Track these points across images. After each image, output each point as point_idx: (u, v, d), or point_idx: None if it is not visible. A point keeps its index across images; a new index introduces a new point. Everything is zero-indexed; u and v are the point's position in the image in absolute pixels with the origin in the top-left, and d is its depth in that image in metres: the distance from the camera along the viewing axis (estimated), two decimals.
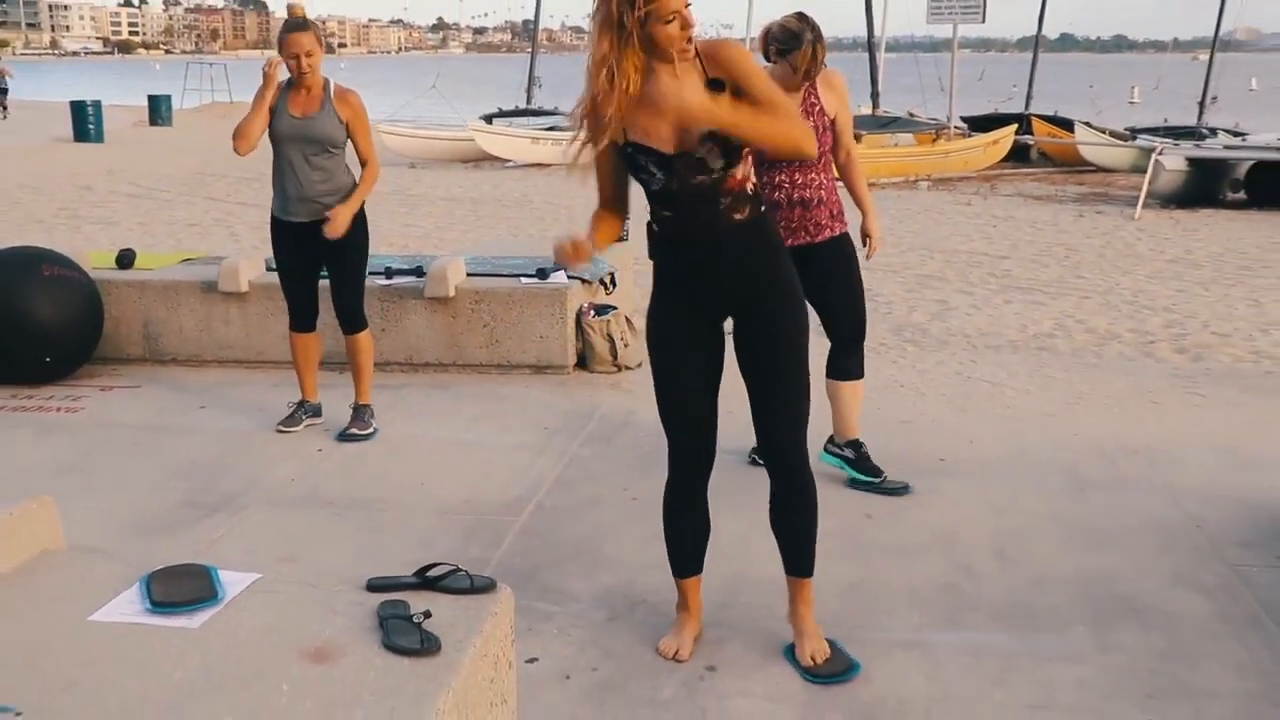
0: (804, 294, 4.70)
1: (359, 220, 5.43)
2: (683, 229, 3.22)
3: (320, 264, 5.51)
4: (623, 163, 3.21)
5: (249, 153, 5.33)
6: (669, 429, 3.38)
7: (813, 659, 3.37)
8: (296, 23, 5.23)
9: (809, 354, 3.34)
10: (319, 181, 5.31)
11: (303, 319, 5.59)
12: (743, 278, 3.24)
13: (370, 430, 5.52)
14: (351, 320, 5.54)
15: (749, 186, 3.19)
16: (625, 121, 3.10)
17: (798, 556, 3.44)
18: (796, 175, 4.59)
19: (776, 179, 4.63)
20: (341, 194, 5.36)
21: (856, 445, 4.93)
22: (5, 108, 36.21)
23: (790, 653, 3.44)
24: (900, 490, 4.79)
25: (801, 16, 4.52)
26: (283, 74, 5.31)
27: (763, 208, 3.25)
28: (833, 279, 4.76)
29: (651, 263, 3.36)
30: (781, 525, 3.44)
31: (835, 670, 3.35)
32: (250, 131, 5.27)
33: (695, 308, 3.29)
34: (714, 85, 3.08)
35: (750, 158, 3.20)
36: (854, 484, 4.84)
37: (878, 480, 4.83)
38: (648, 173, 3.15)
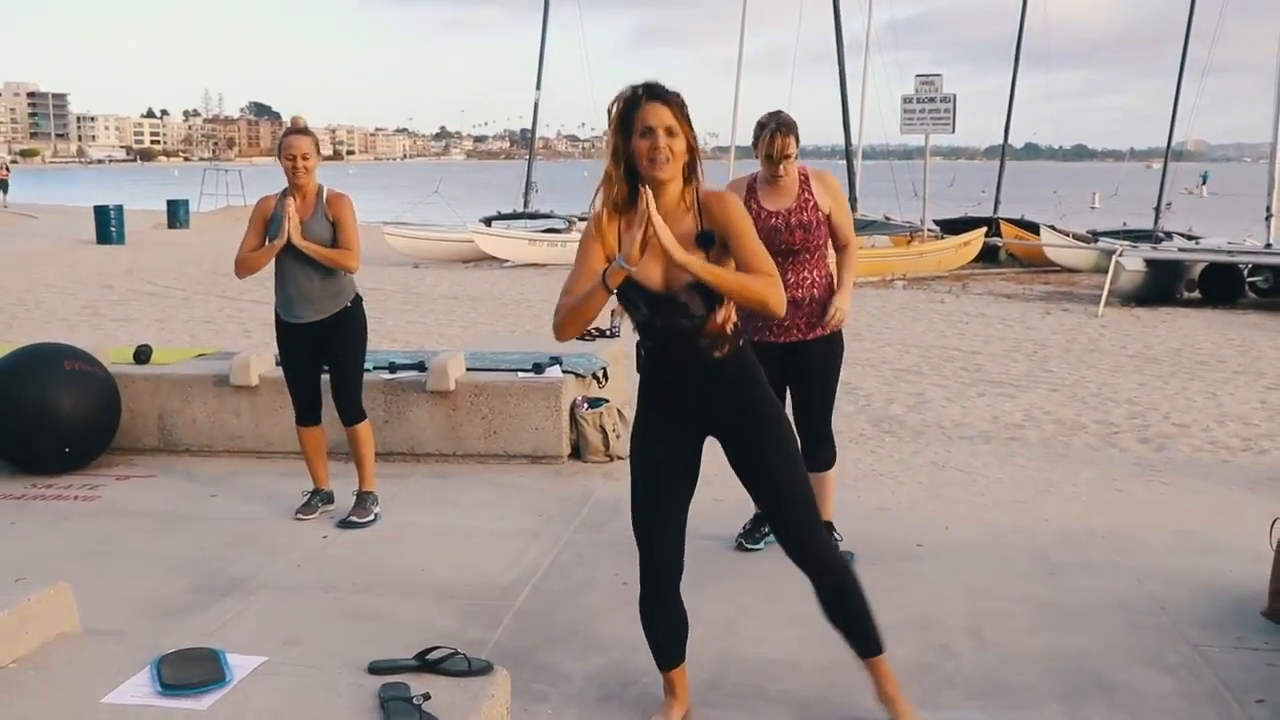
0: (786, 382, 4.79)
1: (356, 320, 5.50)
2: (663, 361, 3.29)
3: (322, 360, 5.55)
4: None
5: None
6: (639, 537, 3.39)
7: None
8: (297, 128, 5.39)
9: (797, 449, 3.37)
10: (318, 282, 5.35)
11: (307, 413, 5.61)
12: (721, 407, 3.31)
13: (370, 517, 5.50)
14: (350, 413, 5.55)
15: (729, 326, 3.23)
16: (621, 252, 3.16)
17: (857, 640, 3.40)
18: (789, 275, 4.64)
19: None
20: (341, 294, 5.40)
21: (827, 527, 4.94)
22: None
23: None
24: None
25: (774, 112, 4.69)
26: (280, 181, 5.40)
27: (742, 341, 3.30)
28: (816, 375, 4.82)
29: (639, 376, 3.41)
30: (832, 617, 3.39)
31: None
32: (255, 268, 5.39)
33: (676, 426, 3.34)
34: (704, 240, 3.15)
35: (730, 303, 3.22)
36: None
37: None
38: (635, 305, 3.23)
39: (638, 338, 3.34)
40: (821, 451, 4.89)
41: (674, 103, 3.11)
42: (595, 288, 3.11)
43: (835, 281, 4.87)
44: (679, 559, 3.41)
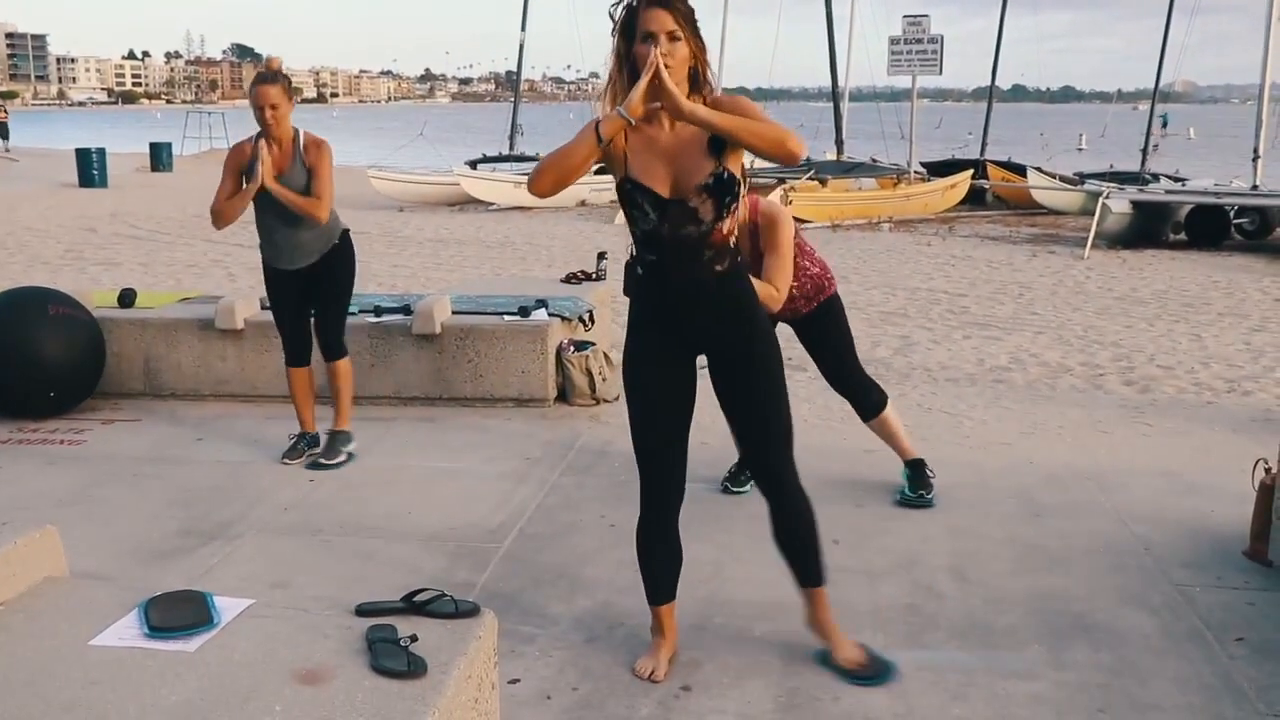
0: (807, 350, 4.79)
1: (345, 256, 5.46)
2: (665, 274, 3.23)
3: (311, 302, 5.52)
4: (620, 197, 3.22)
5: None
6: (641, 461, 3.38)
7: (858, 664, 3.42)
8: (265, 75, 5.16)
9: (785, 379, 3.37)
10: (302, 230, 5.30)
11: (297, 355, 5.58)
12: (718, 323, 3.27)
13: (340, 458, 5.45)
14: (332, 348, 5.52)
15: (731, 240, 3.21)
16: (630, 159, 3.14)
17: (801, 567, 3.46)
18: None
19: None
20: (328, 234, 5.36)
21: (915, 465, 5.03)
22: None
23: (824, 659, 3.48)
24: (925, 503, 4.90)
25: None
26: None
27: (739, 259, 3.27)
28: (830, 341, 4.88)
29: (628, 299, 3.39)
30: (781, 539, 3.44)
31: (875, 672, 3.40)
32: (232, 217, 5.22)
33: (669, 346, 3.31)
34: (715, 146, 3.12)
35: (736, 213, 3.20)
36: (905, 502, 4.92)
37: (922, 495, 4.94)
38: (641, 211, 3.17)
39: (632, 255, 3.30)
40: (869, 399, 4.96)
41: (677, 8, 3.06)
42: (587, 133, 3.07)
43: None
44: (680, 484, 3.40)
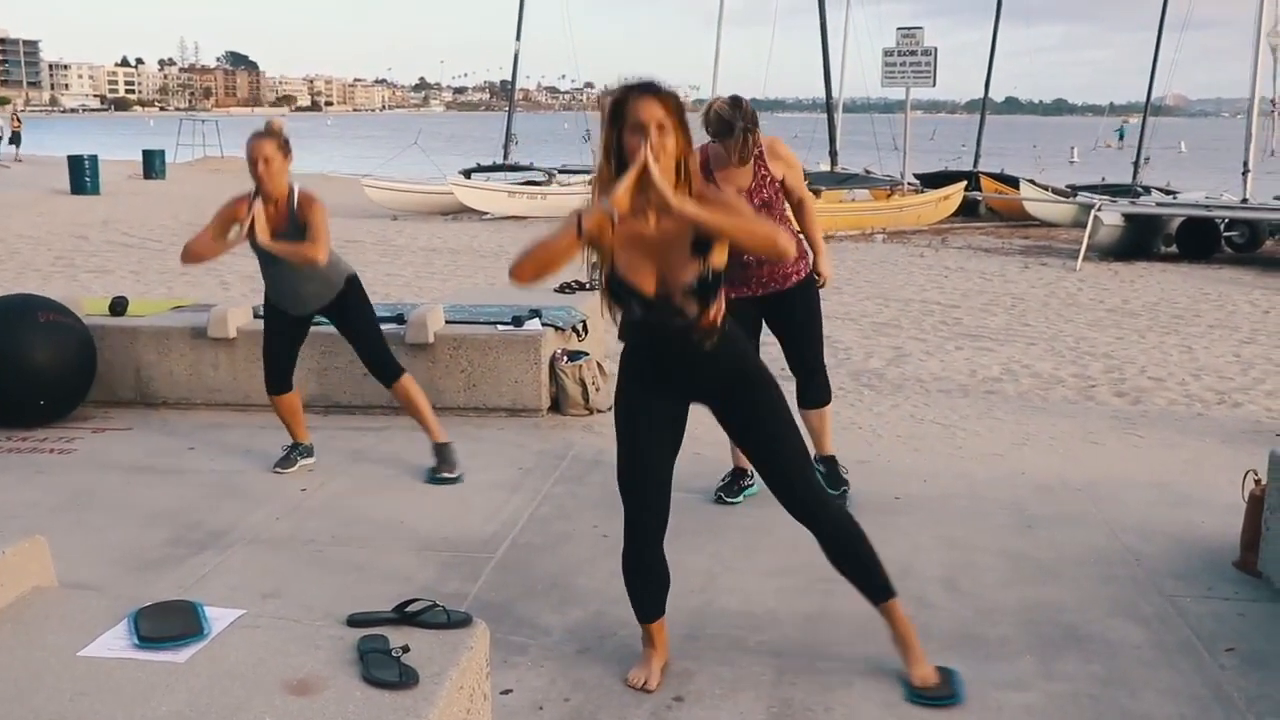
0: (774, 330, 4.84)
1: (355, 299, 5.41)
2: (652, 350, 3.28)
3: (302, 340, 5.54)
4: (608, 292, 3.21)
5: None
6: (624, 496, 3.37)
7: (922, 682, 3.39)
8: (261, 131, 5.08)
9: (789, 412, 3.39)
10: (304, 283, 5.25)
11: (278, 384, 5.51)
12: (710, 385, 3.31)
13: (458, 473, 5.42)
14: (386, 375, 5.48)
15: (718, 320, 3.20)
16: (617, 254, 3.12)
17: (865, 586, 3.43)
18: None
19: None
20: (331, 283, 5.30)
21: (830, 461, 5.08)
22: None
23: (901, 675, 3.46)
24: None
25: (735, 103, 4.50)
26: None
27: (728, 328, 3.26)
28: (801, 317, 4.92)
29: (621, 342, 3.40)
30: (839, 566, 3.42)
31: (938, 695, 3.36)
32: (202, 259, 5.17)
33: (663, 394, 3.33)
34: (699, 246, 3.10)
35: (723, 297, 3.20)
36: None
37: (837, 492, 4.99)
38: (628, 305, 3.19)
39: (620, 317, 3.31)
40: (818, 389, 5.02)
41: (668, 99, 3.02)
42: (567, 228, 3.01)
43: (811, 244, 4.90)
44: (664, 515, 3.40)
